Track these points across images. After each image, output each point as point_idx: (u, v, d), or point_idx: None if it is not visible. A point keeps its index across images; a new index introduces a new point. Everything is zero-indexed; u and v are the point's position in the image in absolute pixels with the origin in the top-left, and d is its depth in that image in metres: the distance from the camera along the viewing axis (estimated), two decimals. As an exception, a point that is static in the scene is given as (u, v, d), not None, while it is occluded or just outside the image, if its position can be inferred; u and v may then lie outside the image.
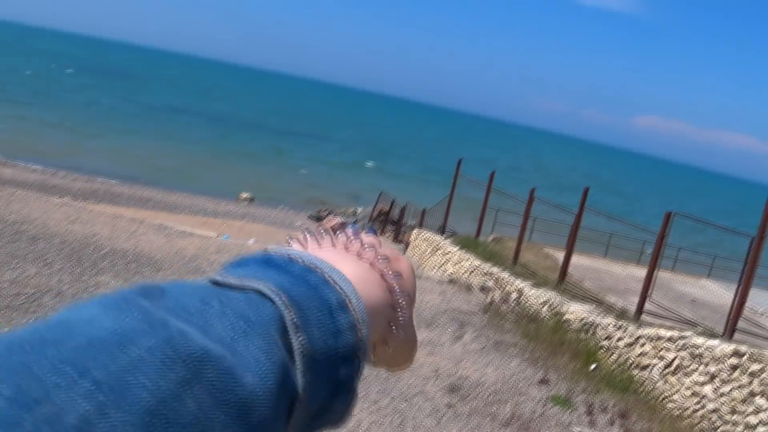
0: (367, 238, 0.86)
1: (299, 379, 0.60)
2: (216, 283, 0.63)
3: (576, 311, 13.49)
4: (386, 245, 0.90)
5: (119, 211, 21.50)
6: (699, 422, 9.95)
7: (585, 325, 13.02)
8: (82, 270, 13.29)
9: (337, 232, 0.82)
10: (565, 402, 9.79)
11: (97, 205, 22.92)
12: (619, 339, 12.03)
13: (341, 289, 0.68)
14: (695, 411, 10.05)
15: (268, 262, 0.68)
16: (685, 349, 10.44)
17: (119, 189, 31.16)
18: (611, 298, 17.72)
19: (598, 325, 12.70)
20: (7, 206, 17.31)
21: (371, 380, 9.29)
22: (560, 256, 19.42)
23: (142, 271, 13.78)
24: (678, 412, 10.31)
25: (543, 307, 14.40)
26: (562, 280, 17.25)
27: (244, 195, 37.64)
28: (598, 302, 15.67)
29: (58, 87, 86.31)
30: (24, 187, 23.68)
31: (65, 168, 35.07)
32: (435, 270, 20.40)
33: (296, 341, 0.61)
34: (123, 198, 27.93)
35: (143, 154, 45.86)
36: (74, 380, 0.46)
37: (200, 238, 17.77)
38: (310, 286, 0.66)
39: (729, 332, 12.98)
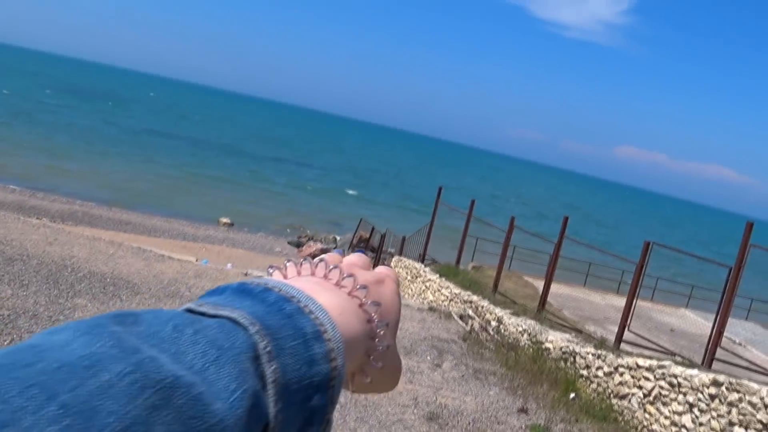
0: (354, 258, 0.87)
1: (271, 408, 0.61)
2: (191, 311, 0.64)
3: (555, 340, 13.49)
4: (373, 264, 0.90)
5: (98, 233, 21.35)
6: (678, 452, 9.95)
7: (564, 354, 13.03)
8: (58, 292, 13.16)
9: (318, 260, 0.82)
10: (544, 431, 9.76)
11: (76, 227, 22.78)
12: (599, 368, 12.03)
13: (317, 318, 0.68)
14: (674, 441, 10.05)
15: (244, 291, 0.69)
16: (664, 378, 10.45)
17: (98, 211, 30.95)
18: (590, 327, 17.75)
19: (577, 354, 12.71)
20: (-17, 227, 17.15)
21: (349, 408, 9.22)
22: (540, 284, 19.46)
23: (119, 294, 13.66)
24: (657, 442, 10.30)
25: (522, 335, 14.40)
26: (541, 309, 17.27)
27: (224, 220, 37.49)
28: (577, 331, 15.69)
29: (37, 108, 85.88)
30: (1, 208, 23.48)
31: (44, 189, 34.82)
32: (415, 298, 20.36)
33: (269, 369, 0.61)
34: (102, 221, 27.75)
35: (123, 177, 45.64)
36: (42, 404, 0.46)
37: (179, 262, 17.64)
38: (285, 314, 0.66)
39: (708, 362, 13.04)
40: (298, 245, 34.15)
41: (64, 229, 21.00)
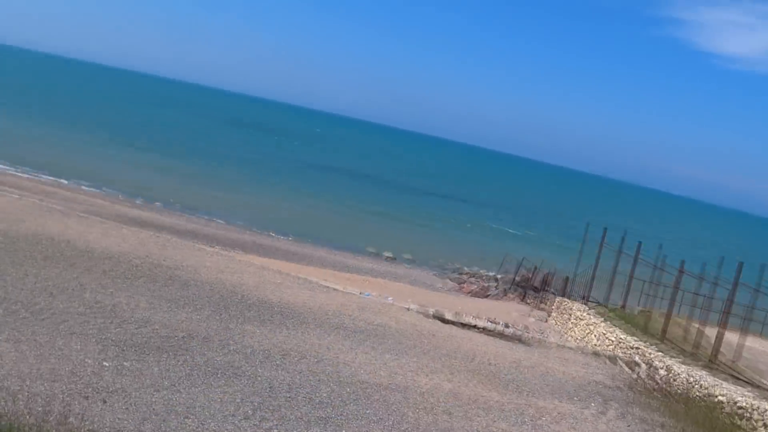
0: None
1: None
2: None
3: (729, 393, 12.76)
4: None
5: (266, 262, 22.08)
6: None
7: (740, 409, 12.29)
8: (229, 317, 13.67)
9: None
10: (718, 490, 9.21)
11: (246, 255, 23.65)
12: (779, 427, 11.28)
13: None
14: None
15: None
16: None
17: (266, 241, 32.08)
18: (769, 382, 16.68)
19: (755, 410, 11.96)
20: (162, 251, 18.11)
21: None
22: (712, 332, 18.50)
23: (286, 323, 14.03)
24: None
25: (693, 386, 13.71)
26: (714, 359, 16.40)
27: (386, 254, 38.03)
28: (754, 386, 14.78)
29: (214, 141, 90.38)
30: (179, 235, 24.74)
31: (217, 218, 36.52)
32: (578, 341, 19.84)
33: None
34: (270, 250, 28.70)
35: (290, 209, 47.21)
36: None
37: (343, 294, 17.96)
38: None
39: None
40: (459, 282, 34.10)
41: (235, 257, 21.88)
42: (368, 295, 18.96)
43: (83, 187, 38.90)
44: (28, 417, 7.89)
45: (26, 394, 8.73)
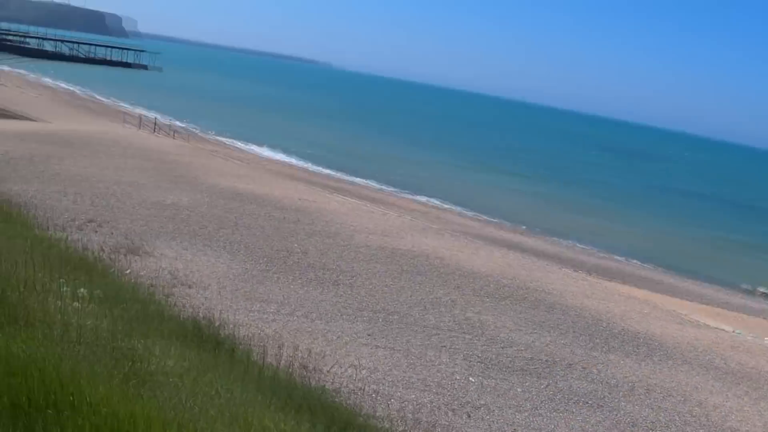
0: None
1: None
2: None
3: None
4: None
5: (631, 291, 21.51)
6: None
7: None
8: (593, 345, 13.54)
9: None
10: None
11: (610, 282, 23.24)
12: None
13: None
14: None
15: None
16: None
17: (630, 269, 31.26)
18: None
19: None
20: (529, 274, 18.47)
21: None
22: None
23: (651, 356, 13.56)
24: None
25: None
26: None
27: (761, 290, 35.19)
28: None
29: (578, 166, 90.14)
30: (543, 258, 24.99)
31: (580, 243, 36.35)
32: None
33: None
34: (633, 278, 27.87)
35: (655, 236, 45.62)
36: None
37: (714, 330, 16.97)
38: None
39: None
40: None
41: (600, 283, 21.59)
42: (740, 334, 17.72)
43: (452, 207, 41.06)
44: (399, 422, 8.45)
45: (398, 399, 9.36)
